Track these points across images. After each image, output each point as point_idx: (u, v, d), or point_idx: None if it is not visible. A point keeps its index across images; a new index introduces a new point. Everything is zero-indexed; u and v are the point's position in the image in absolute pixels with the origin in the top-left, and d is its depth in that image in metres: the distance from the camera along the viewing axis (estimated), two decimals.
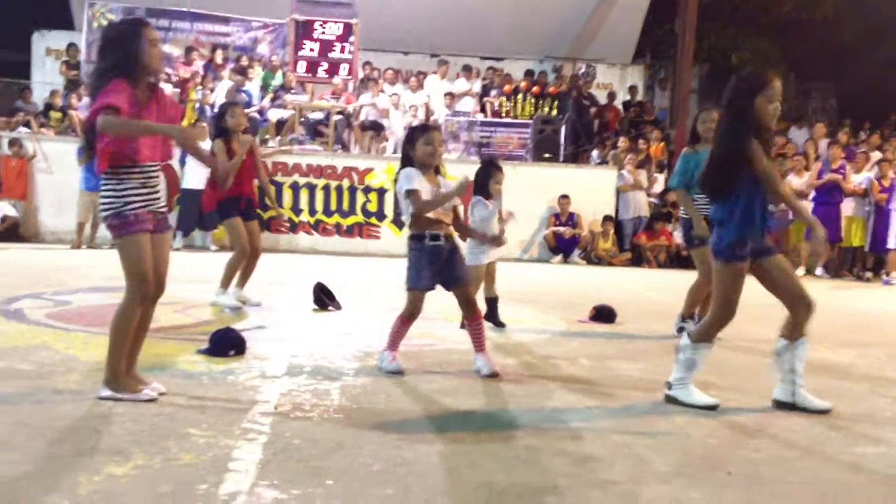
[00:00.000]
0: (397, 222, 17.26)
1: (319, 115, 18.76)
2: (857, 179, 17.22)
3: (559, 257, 17.72)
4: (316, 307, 8.67)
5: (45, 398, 4.62)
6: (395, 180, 5.82)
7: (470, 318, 5.86)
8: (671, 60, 23.43)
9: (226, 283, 8.63)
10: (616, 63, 24.47)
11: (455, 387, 5.40)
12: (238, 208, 8.63)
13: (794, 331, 5.14)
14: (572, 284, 13.25)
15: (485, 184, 7.81)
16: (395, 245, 17.01)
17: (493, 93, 20.96)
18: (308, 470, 3.61)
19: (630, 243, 18.27)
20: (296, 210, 17.42)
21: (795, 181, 17.08)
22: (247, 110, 12.66)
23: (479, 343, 5.84)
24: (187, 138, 4.75)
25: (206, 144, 15.12)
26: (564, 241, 17.76)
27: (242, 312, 8.27)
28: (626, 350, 7.17)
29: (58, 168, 16.90)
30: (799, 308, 5.12)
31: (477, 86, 20.88)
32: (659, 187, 18.59)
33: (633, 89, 23.15)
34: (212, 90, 18.64)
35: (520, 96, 20.62)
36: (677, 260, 17.41)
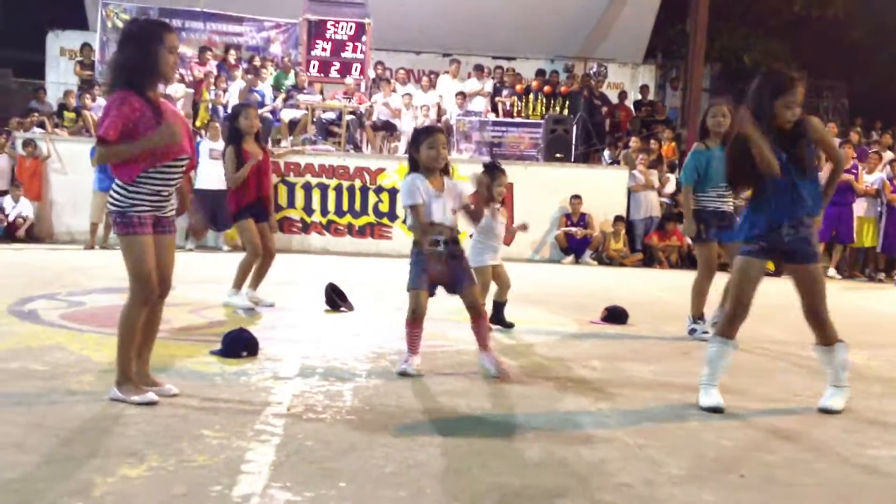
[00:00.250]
0: None
1: (332, 116, 18.78)
2: (870, 180, 17.14)
3: (570, 258, 17.69)
4: (328, 308, 8.68)
5: (59, 399, 4.64)
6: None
7: (475, 320, 5.87)
8: (682, 60, 23.40)
9: (238, 284, 8.65)
10: (627, 62, 24.44)
11: (467, 388, 5.40)
12: (251, 210, 8.65)
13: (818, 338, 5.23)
14: (583, 285, 13.24)
15: None
16: (406, 245, 16.74)
17: (505, 92, 20.95)
18: (321, 472, 3.62)
19: (641, 244, 18.23)
20: (308, 210, 17.44)
21: None
22: (259, 110, 12.67)
23: (482, 341, 5.87)
24: (171, 135, 4.66)
25: (217, 145, 15.25)
26: (576, 242, 17.73)
27: (255, 313, 8.28)
28: (638, 351, 7.16)
29: (72, 168, 16.95)
30: (807, 321, 5.20)
31: (489, 85, 20.87)
32: (671, 187, 18.54)
33: (644, 89, 23.11)
34: (224, 90, 18.67)
35: (531, 96, 20.61)
36: (689, 260, 17.33)
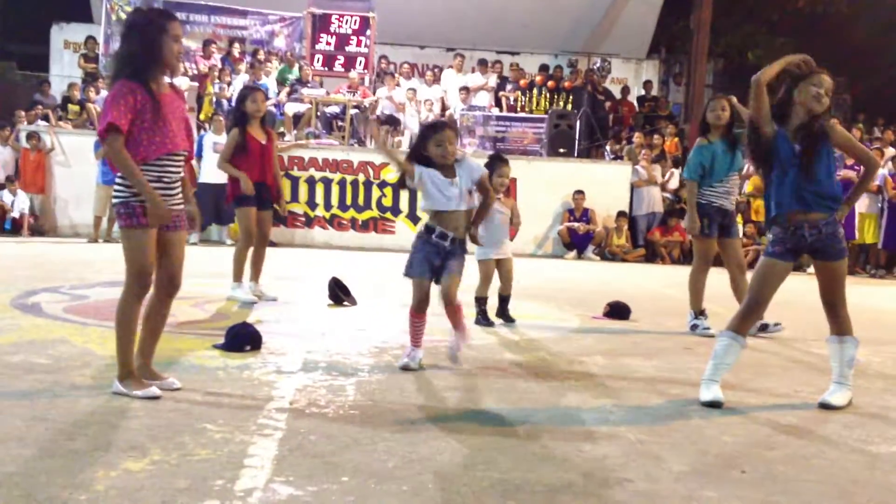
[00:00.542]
0: (412, 217, 17.28)
1: (336, 110, 18.78)
2: None
3: (573, 253, 17.71)
4: (331, 302, 8.69)
5: (62, 392, 4.65)
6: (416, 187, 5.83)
7: (446, 308, 5.86)
8: (686, 56, 23.40)
9: (238, 276, 8.64)
10: (631, 58, 24.45)
11: (470, 383, 5.41)
12: (257, 197, 8.61)
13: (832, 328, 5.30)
14: (586, 280, 13.25)
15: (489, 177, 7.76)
16: (410, 240, 16.93)
17: (509, 87, 20.95)
18: (323, 466, 3.62)
19: (644, 239, 18.24)
20: (311, 205, 17.44)
21: None
22: None
23: (454, 323, 5.87)
24: (157, 212, 4.59)
25: (221, 138, 15.25)
26: (578, 237, 17.74)
27: (258, 307, 8.29)
28: (640, 347, 7.16)
29: (75, 161, 16.99)
30: (825, 310, 5.28)
31: (492, 80, 20.87)
32: (675, 183, 18.55)
33: (647, 84, 23.12)
34: (229, 84, 18.67)
35: (535, 91, 20.61)
36: (691, 256, 17.30)
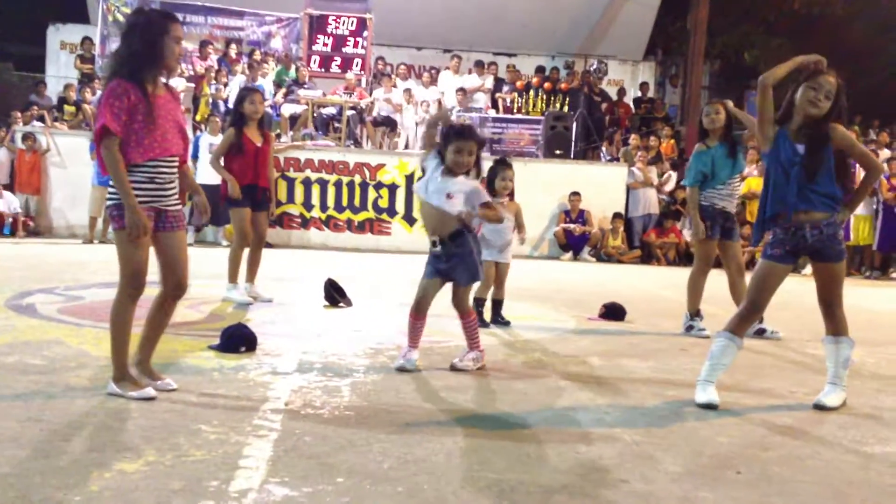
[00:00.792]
0: (408, 219, 17.28)
1: (332, 111, 18.78)
2: None
3: (569, 254, 17.72)
4: (327, 303, 8.68)
5: (57, 394, 4.64)
6: (423, 169, 5.87)
7: (461, 317, 5.90)
8: (682, 57, 23.43)
9: (233, 278, 8.64)
10: (627, 59, 24.48)
11: (465, 384, 5.41)
12: (251, 198, 8.62)
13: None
14: (582, 282, 13.25)
15: (491, 180, 7.77)
16: (406, 241, 17.05)
17: (505, 89, 20.95)
18: (318, 467, 3.62)
19: (640, 241, 18.25)
20: (307, 206, 17.44)
21: None
22: None
23: (467, 340, 5.90)
24: (134, 221, 4.53)
25: (217, 140, 15.23)
26: (574, 238, 17.75)
27: (254, 308, 8.28)
28: (635, 348, 7.16)
29: (71, 162, 16.98)
30: (821, 310, 5.29)
31: (489, 81, 20.87)
32: (671, 185, 18.56)
33: (644, 86, 23.13)
34: (225, 85, 18.67)
35: (531, 92, 20.61)
36: (686, 257, 17.37)
